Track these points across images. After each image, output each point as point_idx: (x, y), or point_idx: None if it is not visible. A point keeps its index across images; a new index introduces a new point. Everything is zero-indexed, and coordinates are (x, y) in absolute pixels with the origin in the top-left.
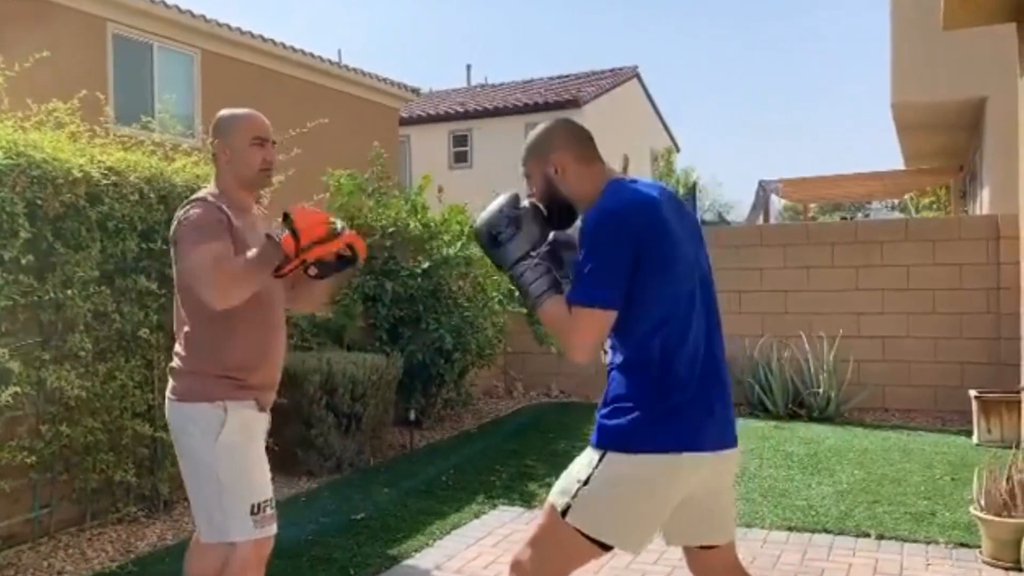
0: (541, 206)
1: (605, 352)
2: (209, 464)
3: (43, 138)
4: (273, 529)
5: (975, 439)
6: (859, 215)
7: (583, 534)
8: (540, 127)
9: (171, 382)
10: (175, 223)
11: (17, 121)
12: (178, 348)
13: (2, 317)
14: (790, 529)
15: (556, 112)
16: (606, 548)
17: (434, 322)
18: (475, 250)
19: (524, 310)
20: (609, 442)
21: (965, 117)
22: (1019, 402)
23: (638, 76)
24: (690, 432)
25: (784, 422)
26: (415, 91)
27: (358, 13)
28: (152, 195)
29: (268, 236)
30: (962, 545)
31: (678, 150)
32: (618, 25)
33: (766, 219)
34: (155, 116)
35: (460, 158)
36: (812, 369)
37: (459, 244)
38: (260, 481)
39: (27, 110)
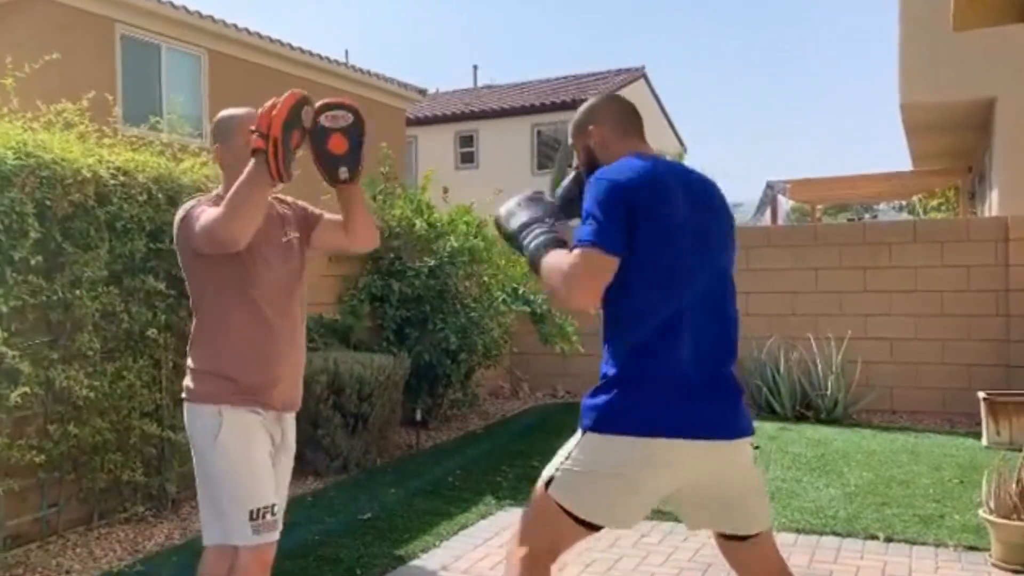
0: (582, 176)
1: (597, 310)
2: (210, 465)
3: (52, 139)
4: (274, 536)
5: (984, 441)
6: (866, 216)
7: (565, 510)
8: (587, 102)
9: (185, 381)
10: (178, 219)
11: (27, 121)
12: (189, 347)
13: (11, 317)
14: (798, 531)
15: (562, 113)
16: (592, 528)
17: (440, 322)
18: (479, 241)
19: (528, 309)
20: (587, 422)
21: (974, 118)
22: None
23: (645, 76)
24: (670, 417)
25: (792, 424)
26: (422, 92)
27: (365, 14)
28: (160, 195)
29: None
30: (971, 548)
31: (685, 151)
32: (624, 25)
33: (774, 220)
34: (163, 117)
35: (466, 159)
36: (820, 371)
37: (465, 238)
38: (261, 487)
39: (37, 111)
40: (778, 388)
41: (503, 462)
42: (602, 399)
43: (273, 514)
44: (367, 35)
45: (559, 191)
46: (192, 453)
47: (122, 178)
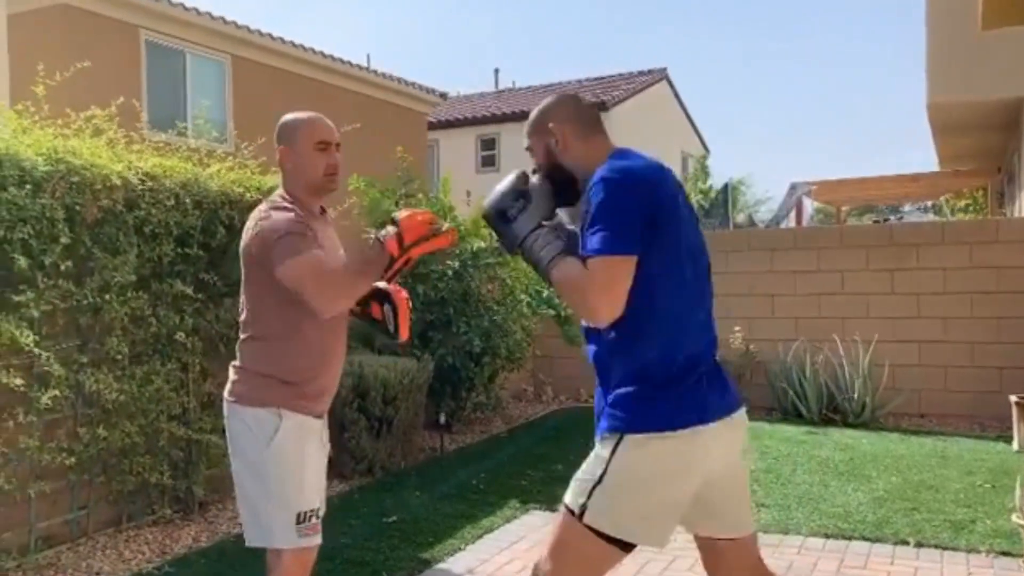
0: (546, 181)
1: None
2: (259, 469)
3: (81, 145)
4: (317, 540)
5: (1015, 446)
6: (892, 218)
7: (602, 535)
8: (543, 101)
9: (230, 383)
10: (256, 229)
11: (57, 128)
12: (241, 350)
13: (42, 321)
14: (826, 536)
15: None
16: (627, 548)
17: (464, 325)
18: None
19: (552, 312)
20: (623, 429)
21: (1002, 117)
22: None
23: (667, 78)
24: (701, 405)
25: (818, 427)
26: (443, 95)
27: (386, 18)
28: (187, 200)
29: (376, 238)
30: (1004, 554)
31: (708, 153)
32: (645, 26)
33: (798, 222)
34: (189, 122)
35: (488, 162)
36: (847, 374)
37: (491, 240)
38: (309, 491)
39: (66, 117)
40: (804, 391)
41: (527, 466)
42: (636, 402)
43: (318, 518)
44: (388, 39)
45: (538, 220)
46: (232, 455)
47: (150, 183)
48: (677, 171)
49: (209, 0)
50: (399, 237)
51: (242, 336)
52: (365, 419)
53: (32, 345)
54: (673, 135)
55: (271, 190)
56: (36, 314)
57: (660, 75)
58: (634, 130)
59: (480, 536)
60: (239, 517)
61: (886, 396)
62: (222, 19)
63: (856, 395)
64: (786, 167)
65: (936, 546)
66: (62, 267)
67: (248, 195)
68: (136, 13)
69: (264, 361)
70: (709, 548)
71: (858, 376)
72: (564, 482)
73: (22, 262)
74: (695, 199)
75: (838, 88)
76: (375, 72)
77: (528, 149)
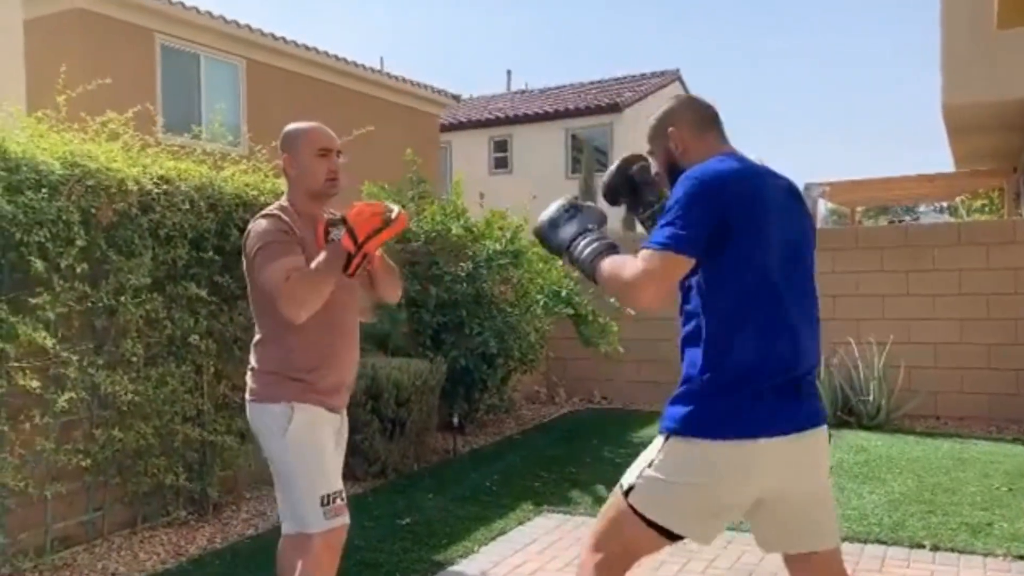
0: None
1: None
2: (281, 460)
3: (97, 148)
4: (345, 519)
5: None
6: (906, 218)
7: (644, 518)
8: (664, 104)
9: (248, 383)
10: (246, 236)
11: (73, 133)
12: (252, 350)
13: (59, 323)
14: (841, 539)
15: (596, 117)
16: (672, 537)
17: (477, 327)
18: (520, 244)
19: (572, 311)
20: (672, 427)
21: (1020, 117)
22: None
23: (680, 79)
24: (755, 417)
25: (833, 429)
26: (455, 97)
27: (399, 21)
28: (202, 203)
29: (328, 240)
30: (1021, 558)
31: None
32: (658, 27)
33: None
34: (204, 125)
35: (500, 163)
36: (862, 376)
37: (504, 242)
38: (329, 475)
39: (82, 121)
40: (819, 393)
41: (541, 468)
42: (690, 402)
43: (342, 499)
44: (401, 42)
45: (605, 178)
46: (266, 454)
47: (165, 186)
48: None
49: (223, 4)
50: (351, 234)
51: (255, 338)
52: (378, 421)
53: (52, 347)
54: None
55: (283, 194)
56: (52, 316)
57: (673, 76)
58: (646, 132)
59: (493, 538)
60: (253, 519)
61: (902, 398)
62: (236, 23)
63: (871, 397)
64: (800, 168)
65: (952, 549)
66: (78, 270)
67: (262, 198)
68: (151, 17)
69: (270, 360)
70: (791, 561)
71: (873, 378)
72: (577, 484)
73: (38, 265)
74: None
75: (851, 87)
76: (388, 75)
77: (649, 154)
